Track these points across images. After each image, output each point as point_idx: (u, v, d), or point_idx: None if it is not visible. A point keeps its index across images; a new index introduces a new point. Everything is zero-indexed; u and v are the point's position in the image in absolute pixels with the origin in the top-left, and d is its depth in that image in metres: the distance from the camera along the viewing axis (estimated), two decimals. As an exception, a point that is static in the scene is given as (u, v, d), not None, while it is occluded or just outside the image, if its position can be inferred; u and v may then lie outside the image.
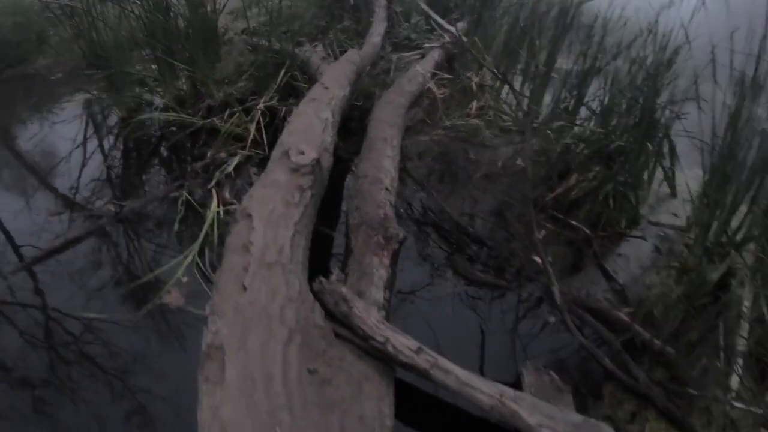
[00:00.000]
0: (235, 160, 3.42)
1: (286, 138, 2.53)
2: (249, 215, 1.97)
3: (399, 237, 2.52)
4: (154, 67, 4.16)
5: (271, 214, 1.96)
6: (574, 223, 3.08)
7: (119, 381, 2.19)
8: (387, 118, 3.51)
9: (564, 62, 4.27)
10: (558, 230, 3.07)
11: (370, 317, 1.93)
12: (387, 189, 2.83)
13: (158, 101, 4.01)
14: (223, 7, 4.21)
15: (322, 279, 2.05)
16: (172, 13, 3.93)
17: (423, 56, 4.62)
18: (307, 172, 2.20)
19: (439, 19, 4.83)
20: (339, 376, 1.68)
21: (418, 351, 1.85)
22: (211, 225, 2.91)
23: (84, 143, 3.95)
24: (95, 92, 4.25)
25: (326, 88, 3.15)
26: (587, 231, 3.03)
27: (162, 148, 3.85)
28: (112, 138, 4.03)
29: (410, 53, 4.73)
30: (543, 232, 2.70)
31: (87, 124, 4.24)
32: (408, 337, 1.89)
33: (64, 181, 3.47)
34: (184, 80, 4.05)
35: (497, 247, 2.91)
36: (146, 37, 4.01)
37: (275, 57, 4.05)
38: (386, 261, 2.39)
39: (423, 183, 3.40)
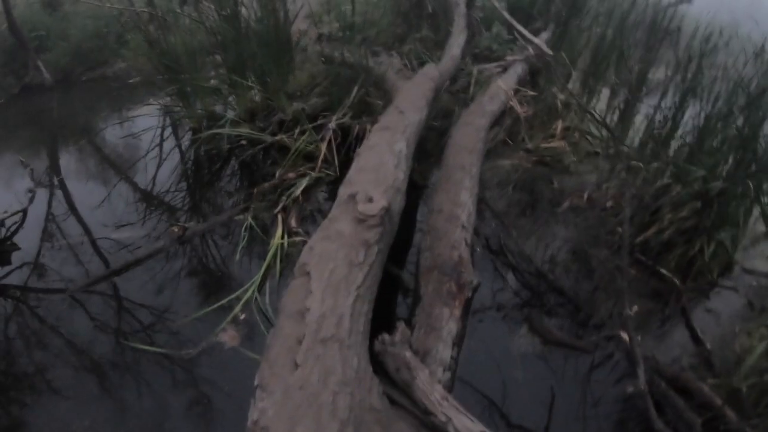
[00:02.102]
0: (304, 182, 3.33)
1: (355, 176, 2.40)
2: (307, 273, 1.86)
3: (473, 284, 2.37)
4: (224, 75, 4.15)
5: (331, 275, 1.83)
6: (663, 271, 2.82)
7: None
8: (466, 142, 3.33)
9: (657, 72, 3.97)
10: (645, 278, 2.82)
11: (433, 391, 1.79)
12: (463, 226, 2.68)
13: (229, 113, 3.98)
14: (296, 17, 4.15)
15: (386, 339, 1.93)
16: (243, 24, 3.89)
17: (505, 69, 4.40)
18: (375, 224, 2.06)
19: (522, 29, 4.58)
20: (394, 467, 1.55)
21: (481, 436, 1.70)
22: (274, 256, 2.84)
23: (154, 155, 3.98)
24: (168, 100, 4.26)
25: (401, 112, 3.00)
26: (677, 282, 2.77)
27: (231, 164, 3.82)
28: (182, 150, 4.06)
29: (491, 65, 4.52)
30: (635, 308, 2.47)
31: (158, 134, 4.27)
32: (473, 419, 1.74)
33: (131, 195, 3.51)
34: (256, 92, 4.01)
35: (579, 300, 2.70)
36: (217, 49, 3.99)
37: (349, 70, 3.93)
38: (457, 312, 2.23)
39: (502, 217, 3.21)
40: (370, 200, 2.13)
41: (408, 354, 1.90)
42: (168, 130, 4.34)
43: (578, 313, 2.64)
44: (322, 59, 4.16)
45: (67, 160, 4.13)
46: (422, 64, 4.37)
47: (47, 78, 5.29)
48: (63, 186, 3.70)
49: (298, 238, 2.93)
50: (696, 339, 2.53)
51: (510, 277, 2.88)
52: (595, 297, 2.70)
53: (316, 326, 1.65)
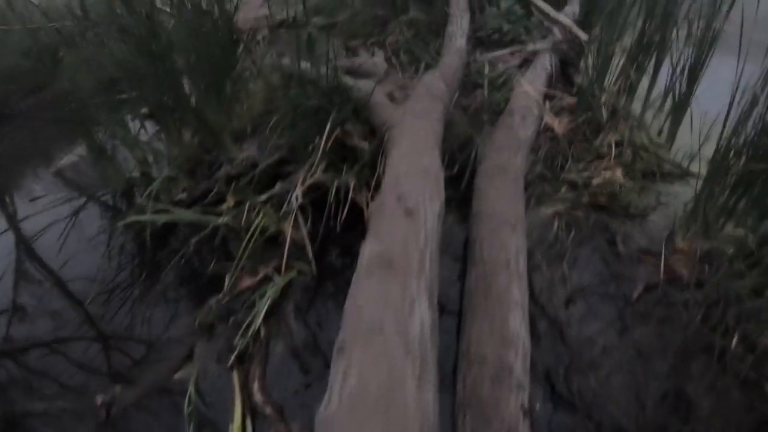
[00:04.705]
0: (267, 299, 1.99)
1: (343, 414, 1.08)
2: None
3: None
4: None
5: None
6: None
7: None
8: (504, 207, 2.00)
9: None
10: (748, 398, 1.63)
11: None
12: (519, 386, 1.46)
13: (159, 171, 2.59)
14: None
15: None
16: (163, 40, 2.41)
17: (525, 60, 2.95)
18: None
19: (543, 4, 3.07)
20: None
21: None
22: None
23: (68, 253, 2.52)
24: (82, 155, 2.81)
25: (408, 211, 1.61)
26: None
27: (165, 254, 2.39)
28: (100, 239, 2.56)
29: (504, 52, 3.06)
30: None
31: (72, 214, 2.76)
32: None
33: (31, 333, 2.15)
34: (190, 135, 2.59)
35: None
36: (131, 80, 2.53)
37: (318, 98, 2.46)
38: None
39: (563, 328, 1.90)
40: None
41: None
42: (83, 205, 2.81)
43: None
44: (273, 77, 2.66)
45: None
46: (414, 60, 2.94)
47: (-24, 115, 3.87)
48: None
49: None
50: None
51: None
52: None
53: None
